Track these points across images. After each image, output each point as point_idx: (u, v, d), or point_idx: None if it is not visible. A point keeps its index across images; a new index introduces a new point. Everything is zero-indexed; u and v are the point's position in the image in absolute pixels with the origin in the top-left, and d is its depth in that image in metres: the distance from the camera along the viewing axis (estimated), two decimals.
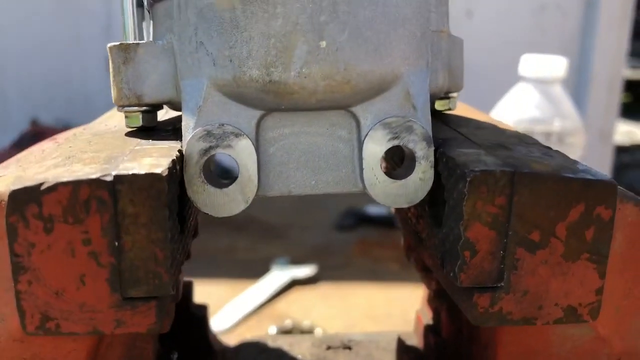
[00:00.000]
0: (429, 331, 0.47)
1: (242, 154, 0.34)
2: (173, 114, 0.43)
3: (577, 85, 1.99)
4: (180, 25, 0.34)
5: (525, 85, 1.04)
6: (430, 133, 0.34)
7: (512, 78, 1.10)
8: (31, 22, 2.07)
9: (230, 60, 0.33)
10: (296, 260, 1.34)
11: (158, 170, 0.29)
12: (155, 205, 0.29)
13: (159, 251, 0.30)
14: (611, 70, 1.98)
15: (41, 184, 0.29)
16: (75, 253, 0.29)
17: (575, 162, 0.35)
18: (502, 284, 0.32)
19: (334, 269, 1.35)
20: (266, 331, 1.07)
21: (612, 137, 2.02)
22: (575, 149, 1.02)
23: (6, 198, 0.32)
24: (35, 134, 1.53)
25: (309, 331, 1.07)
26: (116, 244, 0.29)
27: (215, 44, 0.33)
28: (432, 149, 0.34)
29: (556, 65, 1.02)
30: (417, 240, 0.41)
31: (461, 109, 0.48)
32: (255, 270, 1.29)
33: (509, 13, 1.96)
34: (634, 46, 2.34)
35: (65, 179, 0.29)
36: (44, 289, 0.30)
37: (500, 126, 0.44)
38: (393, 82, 0.34)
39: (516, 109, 1.03)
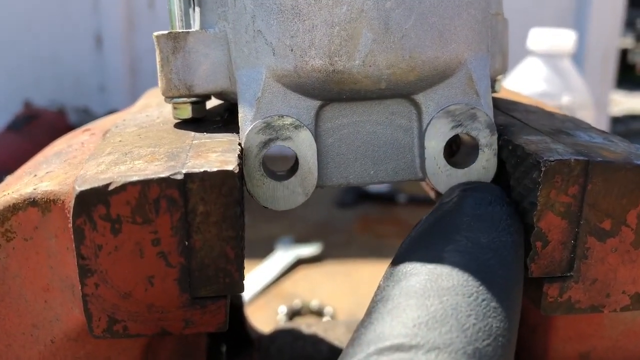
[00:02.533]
0: None
1: (302, 145, 0.33)
2: (214, 101, 0.41)
3: (573, 56, 1.99)
4: (235, 13, 0.33)
5: (534, 59, 1.04)
6: (493, 120, 0.34)
7: (515, 51, 1.09)
8: (18, 0, 2.02)
9: (292, 50, 0.32)
10: (300, 239, 1.34)
11: (230, 167, 0.28)
12: (227, 203, 0.28)
13: (229, 249, 0.29)
14: (606, 41, 1.98)
15: (109, 184, 0.27)
16: (144, 254, 0.28)
17: (638, 147, 0.34)
18: (572, 273, 0.32)
19: (337, 246, 1.35)
20: (276, 311, 1.07)
21: (607, 108, 2.02)
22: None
23: (62, 197, 0.31)
24: (30, 116, 1.50)
25: (319, 310, 1.08)
26: (186, 243, 0.29)
27: (274, 32, 0.32)
28: (496, 136, 0.34)
29: (565, 39, 1.02)
30: None
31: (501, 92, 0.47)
32: (259, 251, 1.28)
33: None
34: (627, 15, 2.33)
35: (133, 179, 0.28)
36: (112, 291, 0.29)
37: (547, 109, 0.43)
38: (456, 69, 0.33)
39: (526, 83, 1.03)
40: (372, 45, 0.31)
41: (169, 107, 0.40)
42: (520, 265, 0.29)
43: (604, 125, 2.02)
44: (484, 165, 0.34)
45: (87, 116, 1.60)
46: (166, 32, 0.35)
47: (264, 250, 1.28)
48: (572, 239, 0.31)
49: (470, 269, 0.26)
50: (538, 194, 0.30)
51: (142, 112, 0.42)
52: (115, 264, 0.29)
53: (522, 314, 0.41)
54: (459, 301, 0.25)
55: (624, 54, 3.93)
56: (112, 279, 0.29)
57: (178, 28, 0.35)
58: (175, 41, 0.34)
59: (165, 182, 0.28)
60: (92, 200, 0.27)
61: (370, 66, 0.31)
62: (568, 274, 0.32)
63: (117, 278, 0.29)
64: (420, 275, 0.26)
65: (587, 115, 1.03)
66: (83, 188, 0.27)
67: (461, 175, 0.34)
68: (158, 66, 0.35)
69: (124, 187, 0.27)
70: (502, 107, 0.41)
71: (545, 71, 1.03)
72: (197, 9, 0.36)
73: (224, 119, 0.38)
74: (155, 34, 0.35)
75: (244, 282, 0.30)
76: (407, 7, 0.31)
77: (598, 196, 0.31)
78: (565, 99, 1.01)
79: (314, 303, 1.09)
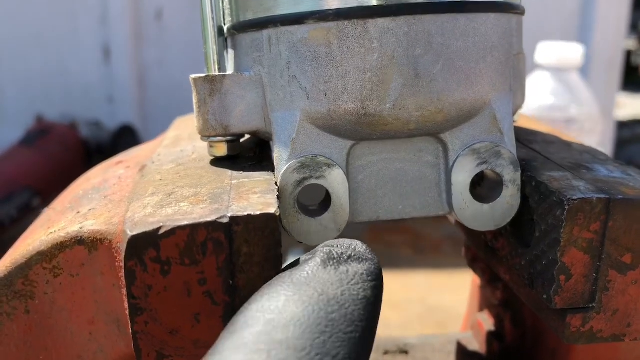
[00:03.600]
0: (492, 336, 0.49)
1: (334, 183, 0.35)
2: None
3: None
4: (270, 58, 0.35)
5: (543, 73, 1.05)
6: (516, 156, 0.35)
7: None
8: (26, 13, 2.04)
9: (325, 95, 0.33)
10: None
11: (271, 210, 0.30)
12: (269, 244, 0.30)
13: None
14: (612, 46, 1.99)
15: (159, 228, 0.29)
16: (191, 293, 0.30)
17: None
18: (594, 304, 0.33)
19: None
20: None
21: (613, 113, 2.04)
22: (594, 135, 1.03)
23: (110, 237, 0.33)
24: (42, 130, 1.52)
25: None
26: (230, 282, 0.30)
27: (309, 78, 0.34)
28: (519, 172, 0.35)
29: (573, 53, 1.03)
30: (489, 255, 0.42)
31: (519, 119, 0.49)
32: None
33: None
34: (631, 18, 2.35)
35: (182, 223, 0.29)
36: (160, 328, 0.31)
37: (564, 138, 0.44)
38: (481, 109, 0.35)
39: (534, 97, 1.04)
40: (402, 89, 0.33)
41: (201, 141, 0.42)
42: (371, 322, 0.27)
43: (609, 130, 2.04)
44: (508, 200, 0.35)
45: (98, 130, 1.62)
46: (203, 75, 0.36)
47: None
48: (594, 272, 0.33)
49: (310, 321, 0.25)
50: (562, 230, 0.32)
51: (176, 146, 0.43)
52: (164, 303, 0.30)
53: (541, 337, 0.42)
54: (289, 355, 0.24)
55: (627, 55, 3.94)
56: (161, 317, 0.30)
57: (213, 70, 0.37)
58: (212, 84, 0.36)
59: (212, 226, 0.29)
60: (143, 244, 0.29)
61: (400, 109, 0.33)
62: (590, 305, 0.33)
63: (166, 316, 0.30)
64: (255, 327, 0.25)
65: (596, 127, 1.04)
66: (135, 232, 0.29)
67: (487, 210, 0.35)
68: (195, 107, 0.37)
69: (174, 231, 0.29)
70: (522, 138, 0.43)
71: (553, 84, 1.04)
72: (230, 51, 0.38)
73: (256, 155, 0.39)
74: (193, 76, 0.37)
75: None
76: (435, 53, 0.33)
77: (619, 232, 0.32)
78: (574, 112, 1.03)
79: None
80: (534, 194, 0.35)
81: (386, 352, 0.55)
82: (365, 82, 0.33)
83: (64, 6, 2.06)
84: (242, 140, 0.43)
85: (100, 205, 0.37)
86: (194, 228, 0.29)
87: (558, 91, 1.04)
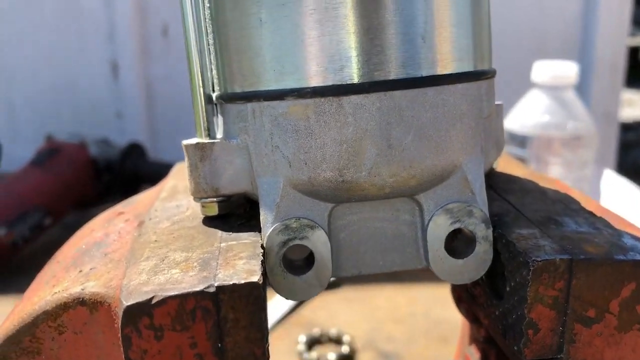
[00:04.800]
0: None
1: (317, 243, 0.37)
2: None
3: (581, 66, 2.01)
4: (255, 129, 0.37)
5: (538, 91, 1.07)
6: (488, 214, 0.38)
7: (517, 58, 1.12)
8: (36, 31, 2.08)
9: (306, 164, 0.36)
10: None
11: (254, 279, 0.32)
12: (253, 310, 0.33)
13: (257, 349, 0.33)
14: (614, 49, 2.00)
15: (151, 298, 0.32)
16: (183, 356, 0.33)
17: (620, 235, 0.38)
18: (562, 355, 0.36)
19: None
20: (296, 340, 1.11)
21: (616, 117, 2.04)
22: (590, 151, 1.05)
23: (109, 301, 0.36)
24: (52, 150, 1.56)
25: (337, 338, 1.12)
26: (219, 345, 0.33)
27: (290, 148, 0.36)
28: (491, 229, 0.37)
29: (568, 71, 1.05)
30: (470, 299, 0.44)
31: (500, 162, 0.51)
32: None
33: None
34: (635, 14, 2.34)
35: (172, 293, 0.32)
36: None
37: (542, 183, 0.47)
38: (453, 172, 0.37)
39: (530, 116, 1.06)
40: (376, 158, 0.35)
41: None
42: None
43: (613, 134, 2.04)
44: (481, 256, 0.38)
45: (107, 147, 1.65)
46: (194, 141, 0.39)
47: None
48: (561, 326, 0.35)
49: None
50: (528, 289, 0.34)
51: (172, 200, 0.46)
52: None
53: None
54: None
55: (634, 52, 3.93)
56: None
57: (203, 137, 0.40)
58: (202, 151, 0.39)
59: (200, 295, 0.32)
60: (137, 313, 0.32)
61: (375, 176, 0.36)
62: (558, 357, 0.36)
63: None
64: None
65: (593, 143, 1.06)
66: (129, 303, 0.32)
67: (461, 264, 0.38)
68: (187, 171, 0.40)
69: (165, 300, 0.32)
70: (499, 187, 0.45)
71: (549, 102, 1.06)
72: (220, 117, 0.40)
73: (246, 212, 0.42)
74: (184, 143, 0.39)
75: None
76: (406, 124, 0.35)
77: (582, 289, 0.34)
78: (570, 129, 1.05)
79: (333, 331, 1.13)
80: (504, 251, 0.37)
81: None
82: (342, 152, 0.35)
83: (72, 24, 2.10)
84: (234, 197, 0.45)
85: (100, 264, 0.40)
86: (183, 298, 0.32)
87: (554, 109, 1.06)
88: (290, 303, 1.23)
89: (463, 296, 0.47)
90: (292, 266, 0.38)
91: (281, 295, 0.37)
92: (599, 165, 1.33)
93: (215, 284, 0.32)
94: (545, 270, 0.34)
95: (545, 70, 1.06)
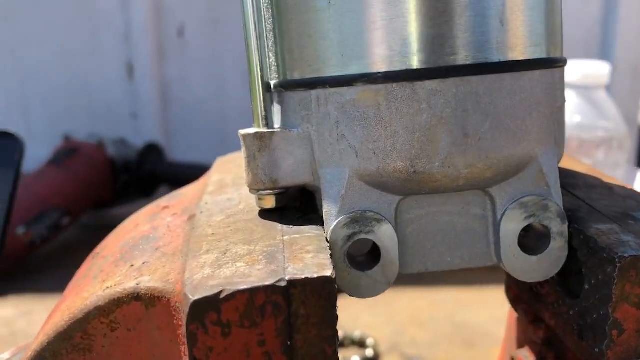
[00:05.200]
0: None
1: (383, 238, 0.35)
2: None
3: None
4: (319, 117, 0.35)
5: (569, 91, 1.05)
6: (563, 209, 0.36)
7: None
8: (51, 32, 2.08)
9: (374, 153, 0.34)
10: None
11: (327, 273, 0.31)
12: (326, 306, 0.31)
13: (327, 347, 0.31)
14: (635, 53, 1.98)
15: (220, 292, 0.30)
16: (251, 354, 0.31)
17: None
18: None
19: None
20: None
21: (637, 122, 2.02)
22: (624, 153, 1.03)
23: (167, 296, 0.34)
24: (70, 150, 1.55)
25: (361, 341, 1.10)
26: (289, 343, 0.31)
27: (358, 137, 0.34)
28: (566, 224, 0.36)
29: (599, 71, 1.03)
30: (533, 298, 0.42)
31: None
32: None
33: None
34: None
35: (242, 287, 0.30)
36: None
37: (605, 180, 0.45)
38: (528, 163, 0.35)
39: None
40: (450, 148, 0.34)
41: (245, 189, 0.43)
42: None
43: (634, 138, 2.02)
44: (556, 253, 0.36)
45: (124, 147, 1.64)
46: (252, 131, 0.37)
47: None
48: None
49: None
50: (613, 287, 0.32)
51: (221, 194, 0.44)
52: None
53: None
54: None
55: None
56: None
57: (262, 126, 0.38)
58: (261, 140, 0.37)
59: (270, 289, 0.30)
60: (204, 308, 0.30)
61: (449, 167, 0.34)
62: None
63: None
64: None
65: (627, 145, 1.04)
66: (197, 297, 0.30)
67: (535, 261, 0.36)
68: (244, 162, 0.38)
69: (234, 295, 0.30)
70: (564, 181, 0.43)
71: (579, 103, 1.04)
72: (277, 106, 0.39)
73: (303, 206, 0.40)
74: (242, 132, 0.38)
75: None
76: (483, 112, 0.33)
77: None
78: (601, 131, 1.02)
79: (357, 334, 1.11)
80: (582, 247, 0.35)
81: None
82: (414, 141, 0.34)
83: (87, 25, 2.09)
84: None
85: (154, 258, 0.38)
86: (253, 292, 0.30)
87: (584, 110, 1.04)
88: None
89: (522, 295, 0.45)
90: (355, 262, 0.36)
91: (346, 292, 0.35)
92: (630, 166, 1.31)
93: (287, 278, 0.30)
94: (633, 267, 0.32)
95: (575, 69, 1.04)
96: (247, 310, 0.30)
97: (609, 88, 1.11)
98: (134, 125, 2.09)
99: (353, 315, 1.22)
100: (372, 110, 0.34)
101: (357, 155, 0.35)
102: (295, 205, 0.40)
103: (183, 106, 2.17)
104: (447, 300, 1.33)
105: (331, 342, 0.31)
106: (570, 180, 0.44)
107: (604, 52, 1.99)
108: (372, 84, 0.33)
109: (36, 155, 1.64)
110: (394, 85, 0.33)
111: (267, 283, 0.30)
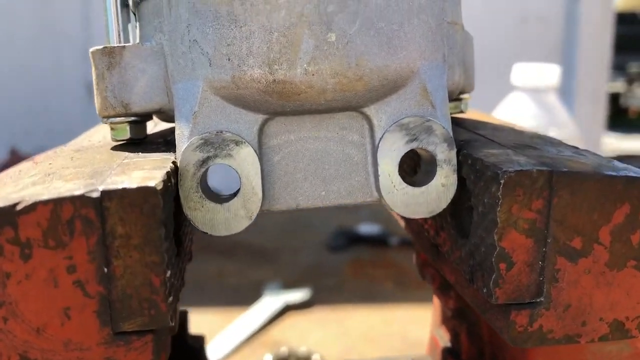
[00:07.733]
0: (448, 354, 0.44)
1: (243, 163, 0.30)
2: (163, 125, 0.39)
3: (563, 96, 1.98)
4: (170, 22, 0.31)
5: (519, 94, 1.02)
6: (451, 133, 0.31)
7: (499, 88, 1.09)
8: (12, 46, 2.04)
9: (229, 59, 0.29)
10: (288, 284, 1.30)
11: (151, 184, 0.25)
12: (149, 224, 0.25)
13: (154, 277, 0.26)
14: (595, 80, 1.98)
15: (16, 204, 0.25)
16: (58, 282, 0.25)
17: (610, 160, 0.31)
18: (542, 298, 0.29)
19: (328, 291, 1.31)
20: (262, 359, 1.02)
21: (599, 148, 2.01)
22: None
23: None
24: (15, 164, 1.48)
25: (306, 358, 1.03)
26: (105, 270, 0.26)
27: (210, 41, 0.30)
28: (454, 151, 0.31)
29: (549, 74, 1.00)
30: (434, 255, 0.37)
31: (469, 113, 0.45)
32: (246, 297, 1.24)
33: (492, 25, 1.95)
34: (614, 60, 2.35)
35: (44, 197, 0.25)
36: (23, 325, 0.26)
37: (518, 128, 0.40)
38: (409, 78, 0.31)
39: (511, 118, 1.01)
40: (314, 52, 0.29)
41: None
42: None
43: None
44: (442, 183, 0.31)
45: None
46: (101, 47, 0.32)
47: (250, 297, 1.24)
48: (540, 259, 0.28)
49: None
50: (498, 209, 0.27)
51: (87, 138, 0.39)
52: (26, 294, 0.25)
53: (498, 353, 0.37)
54: None
55: (616, 98, 3.95)
56: (22, 311, 0.26)
57: (115, 43, 0.33)
58: (110, 56, 0.32)
59: (79, 200, 0.25)
60: None
61: (313, 75, 0.29)
62: (538, 300, 0.29)
63: (29, 310, 0.26)
64: None
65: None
66: None
67: (419, 194, 0.31)
68: (94, 84, 0.33)
69: (34, 206, 0.25)
70: (469, 126, 0.39)
71: (530, 106, 1.01)
72: (137, 24, 0.34)
73: (166, 141, 0.35)
74: (91, 49, 0.33)
75: (172, 314, 0.27)
76: (351, 11, 0.29)
77: (565, 211, 0.28)
78: (553, 133, 0.99)
79: (302, 350, 1.04)
80: (470, 174, 0.30)
81: None
82: (272, 43, 0.29)
83: (49, 41, 2.06)
84: (160, 130, 0.39)
85: None
86: (57, 203, 0.25)
87: (536, 113, 1.01)
88: (257, 321, 1.15)
89: (427, 255, 0.40)
90: (214, 196, 0.31)
91: (199, 228, 0.30)
92: None
93: (100, 189, 0.25)
94: (519, 185, 0.27)
95: (526, 72, 1.01)
96: (52, 226, 0.25)
97: (570, 113, 1.09)
98: None
99: (301, 333, 1.15)
100: (224, 7, 0.29)
101: (210, 64, 0.30)
102: (158, 141, 0.35)
103: None
104: (401, 318, 1.27)
105: (159, 270, 0.26)
106: (477, 125, 0.39)
107: (565, 78, 1.99)
108: None
109: None
110: None
111: (76, 193, 0.25)
